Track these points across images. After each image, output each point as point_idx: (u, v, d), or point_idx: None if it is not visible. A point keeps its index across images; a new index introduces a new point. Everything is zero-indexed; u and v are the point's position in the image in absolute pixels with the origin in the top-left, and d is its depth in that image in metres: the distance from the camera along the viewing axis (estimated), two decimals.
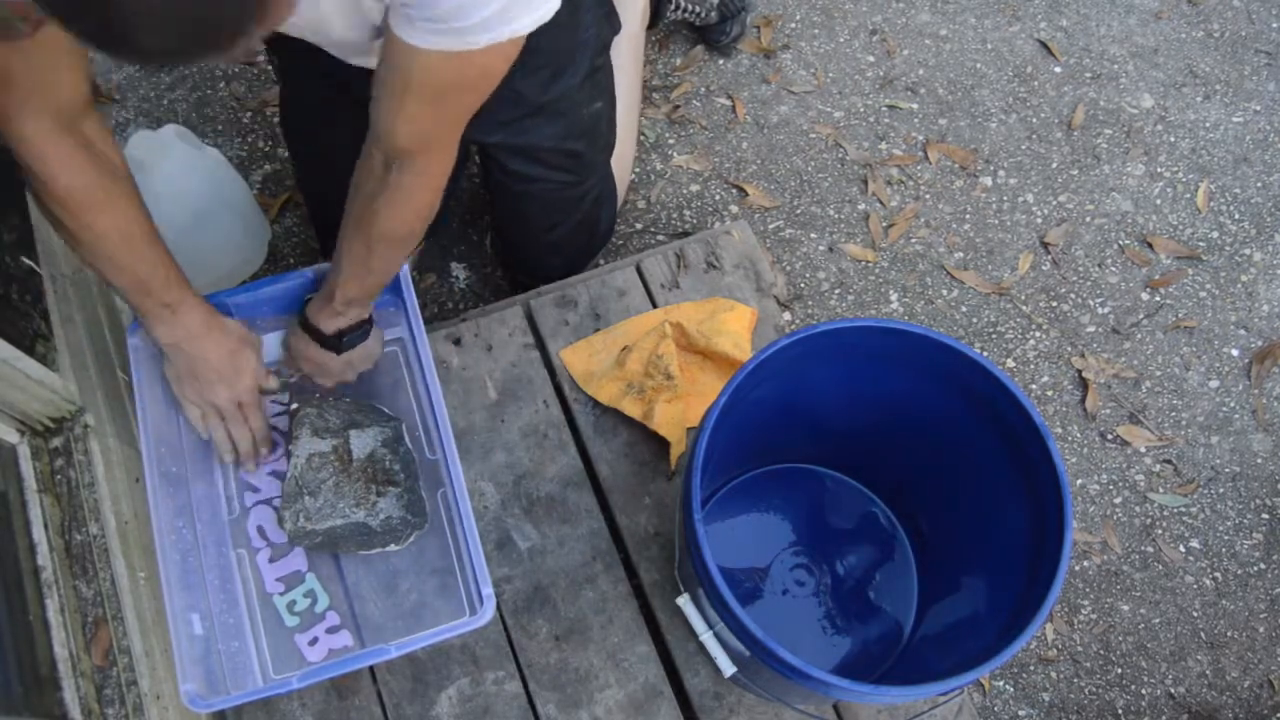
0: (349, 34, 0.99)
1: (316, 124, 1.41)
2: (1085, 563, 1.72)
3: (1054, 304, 1.91)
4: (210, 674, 1.14)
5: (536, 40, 0.91)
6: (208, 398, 1.17)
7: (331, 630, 1.20)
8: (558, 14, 0.88)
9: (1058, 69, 2.13)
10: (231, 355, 1.16)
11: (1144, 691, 1.65)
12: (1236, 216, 2.00)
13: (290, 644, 1.20)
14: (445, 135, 0.98)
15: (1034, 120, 2.07)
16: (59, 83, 0.91)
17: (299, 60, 1.21)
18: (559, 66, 1.23)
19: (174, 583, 1.13)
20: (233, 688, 1.16)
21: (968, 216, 1.98)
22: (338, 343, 1.19)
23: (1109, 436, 1.81)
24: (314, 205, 1.64)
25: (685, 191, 1.97)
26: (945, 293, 1.91)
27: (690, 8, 1.95)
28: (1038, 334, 1.88)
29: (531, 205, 1.46)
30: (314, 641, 1.20)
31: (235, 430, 1.20)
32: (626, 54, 1.67)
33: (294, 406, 1.24)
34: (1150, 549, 1.74)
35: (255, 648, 1.20)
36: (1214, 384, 1.86)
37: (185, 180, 1.54)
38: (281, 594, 1.22)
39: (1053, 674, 1.66)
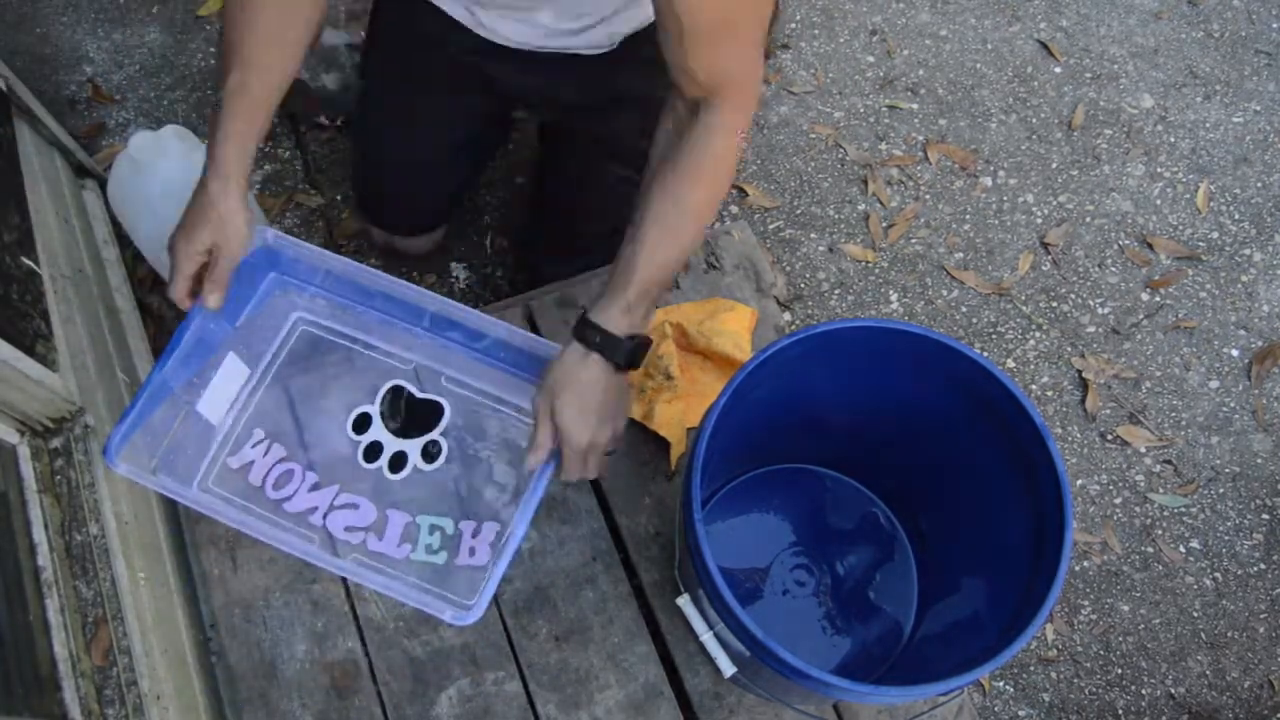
0: None
1: (405, 119, 1.40)
2: (1085, 563, 1.72)
3: (1054, 304, 1.91)
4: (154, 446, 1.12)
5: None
6: (171, 240, 1.05)
7: (313, 488, 1.21)
8: None
9: (1058, 69, 2.13)
10: (212, 205, 1.02)
11: (1144, 692, 1.66)
12: (1236, 217, 2.00)
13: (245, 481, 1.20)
14: (739, 63, 0.94)
15: (1034, 120, 2.07)
16: None
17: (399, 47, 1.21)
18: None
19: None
20: (161, 469, 1.13)
21: (968, 217, 1.98)
22: (630, 353, 0.98)
23: (1109, 437, 1.81)
24: (388, 200, 1.62)
25: None
26: (945, 293, 1.91)
27: None
28: (1038, 334, 1.88)
29: (586, 192, 1.46)
30: (288, 496, 1.20)
31: (174, 278, 1.05)
32: None
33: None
34: (1150, 549, 1.74)
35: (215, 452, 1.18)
36: (1214, 384, 1.86)
37: (185, 180, 1.53)
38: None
39: (1053, 674, 1.66)
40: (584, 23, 1.11)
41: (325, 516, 1.22)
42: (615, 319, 0.97)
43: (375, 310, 1.24)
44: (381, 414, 1.25)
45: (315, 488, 1.23)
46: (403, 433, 1.24)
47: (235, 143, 1.00)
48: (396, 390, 1.26)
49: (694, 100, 0.96)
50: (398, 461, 1.23)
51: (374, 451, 1.23)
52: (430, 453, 1.24)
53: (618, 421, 1.02)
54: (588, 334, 0.97)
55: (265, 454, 1.23)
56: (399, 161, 1.52)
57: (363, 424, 1.25)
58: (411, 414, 1.25)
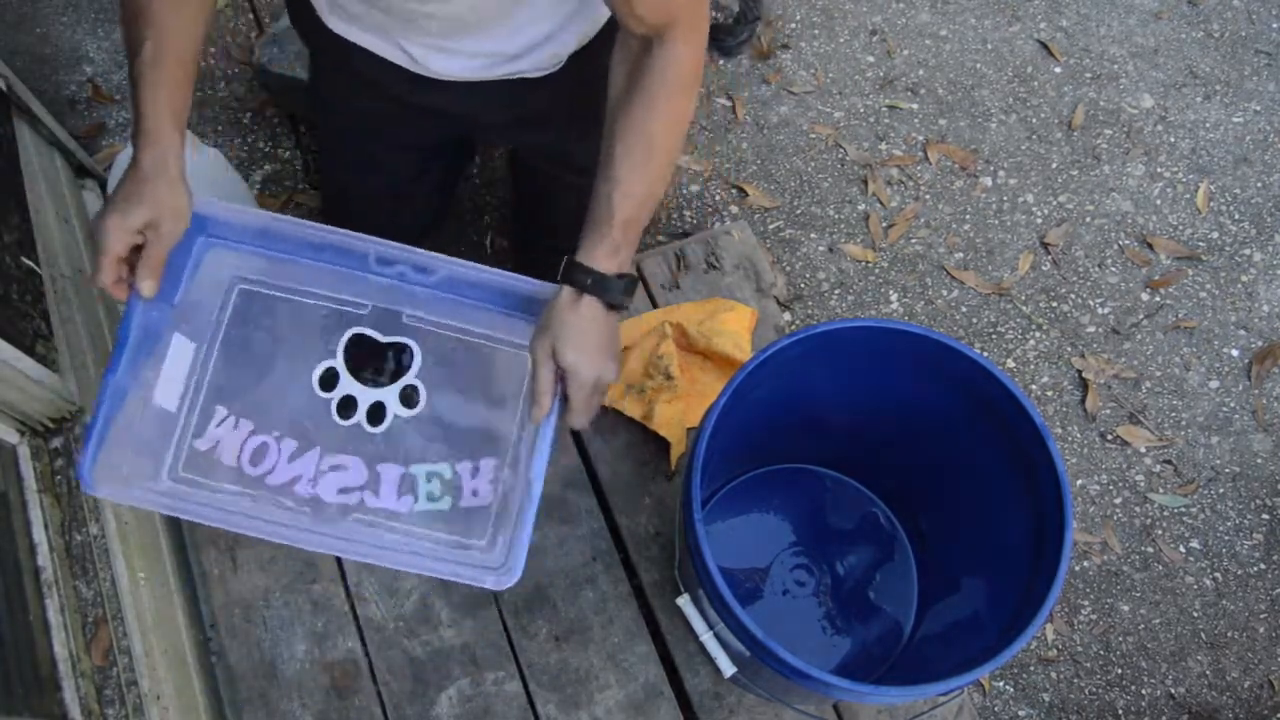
0: None
1: (369, 153, 1.36)
2: (1085, 563, 1.72)
3: (1054, 304, 1.91)
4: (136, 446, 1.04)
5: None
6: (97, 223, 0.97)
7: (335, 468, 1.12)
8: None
9: (1058, 69, 2.13)
10: (145, 182, 0.95)
11: (1144, 692, 1.65)
12: (1236, 217, 2.00)
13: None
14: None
15: (1034, 120, 2.07)
16: None
17: (350, 90, 1.18)
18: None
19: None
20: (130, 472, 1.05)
21: (968, 216, 1.98)
22: (622, 291, 0.99)
23: (1109, 437, 1.81)
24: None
25: (685, 192, 1.97)
26: (945, 293, 1.91)
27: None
28: (1038, 334, 1.88)
29: (562, 207, 1.45)
30: (269, 469, 1.11)
31: (99, 261, 0.98)
32: None
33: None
34: (1150, 549, 1.74)
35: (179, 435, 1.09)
36: (1214, 384, 1.86)
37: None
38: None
39: (1053, 674, 1.66)
40: (523, 44, 1.08)
41: (314, 483, 1.14)
42: (602, 259, 0.98)
43: (319, 261, 1.15)
44: (347, 366, 1.16)
45: (295, 456, 1.14)
46: (374, 382, 1.17)
47: (167, 112, 0.94)
48: (358, 339, 1.17)
49: (645, 36, 0.95)
50: (376, 413, 1.15)
51: (348, 406, 1.15)
52: (408, 398, 1.16)
53: (618, 362, 1.02)
54: (578, 277, 0.98)
55: (234, 429, 1.14)
56: (361, 206, 1.48)
57: (330, 380, 1.17)
58: (379, 361, 1.17)
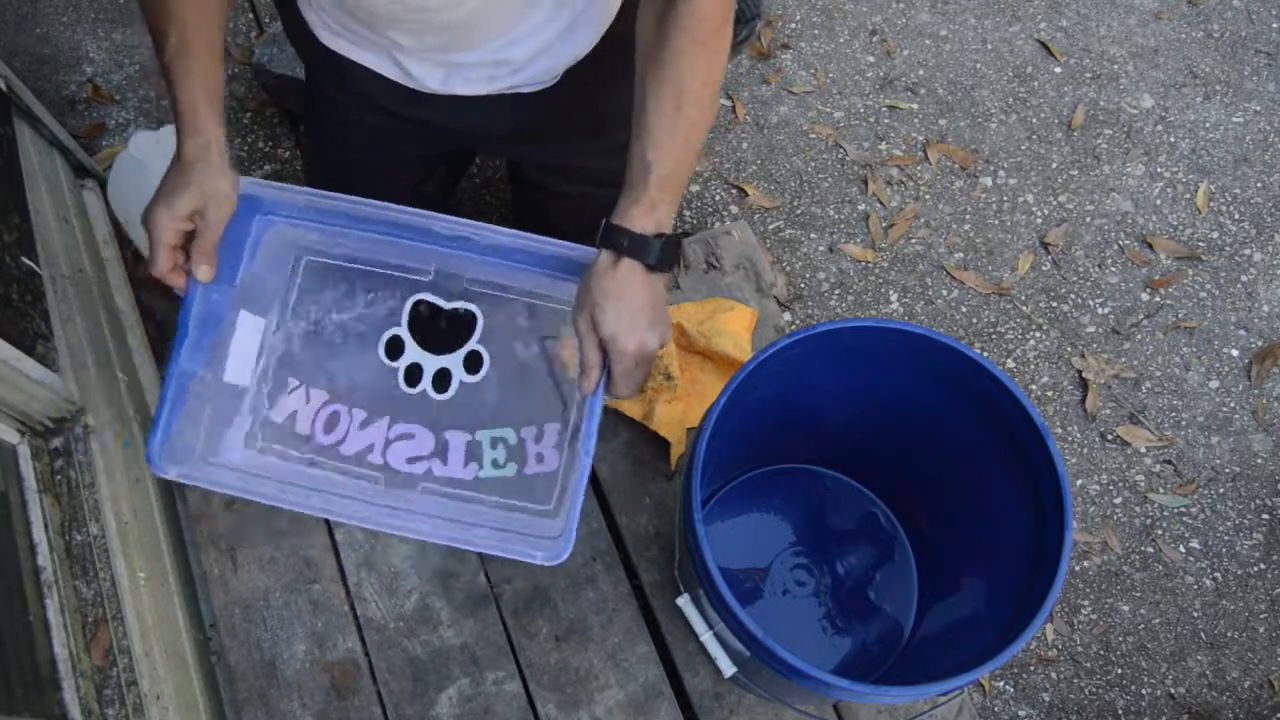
0: None
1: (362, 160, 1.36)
2: (1085, 563, 1.72)
3: (1054, 304, 1.91)
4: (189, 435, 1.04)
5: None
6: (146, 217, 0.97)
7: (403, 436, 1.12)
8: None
9: (1058, 69, 2.13)
10: (190, 169, 0.95)
11: (1144, 692, 1.65)
12: (1236, 217, 2.00)
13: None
14: None
15: (1034, 120, 2.07)
16: None
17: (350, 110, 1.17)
18: (616, 84, 1.17)
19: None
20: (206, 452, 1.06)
21: (968, 216, 1.98)
22: (660, 251, 0.94)
23: (1109, 437, 1.81)
24: None
25: (685, 192, 1.97)
26: (945, 293, 1.91)
27: None
28: (1038, 334, 1.88)
29: (563, 216, 1.45)
30: (341, 438, 1.11)
31: (153, 253, 0.97)
32: None
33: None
34: (1150, 549, 1.74)
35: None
36: (1214, 384, 1.86)
37: None
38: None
39: (1053, 674, 1.66)
40: (519, 58, 1.07)
41: (384, 452, 1.14)
42: (639, 219, 0.94)
43: (375, 233, 1.15)
44: (412, 333, 1.17)
45: (365, 424, 1.15)
46: (439, 349, 1.16)
47: (204, 102, 0.94)
48: (421, 305, 1.17)
49: None
50: (441, 380, 1.15)
51: (414, 374, 1.15)
52: (473, 364, 1.16)
53: (664, 324, 0.97)
54: (615, 239, 0.94)
55: (307, 400, 1.15)
56: None
57: (395, 348, 1.17)
58: (444, 327, 1.17)
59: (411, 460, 1.14)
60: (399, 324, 1.17)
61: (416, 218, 1.08)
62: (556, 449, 1.14)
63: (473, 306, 1.17)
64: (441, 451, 1.15)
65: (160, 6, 0.93)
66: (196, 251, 0.96)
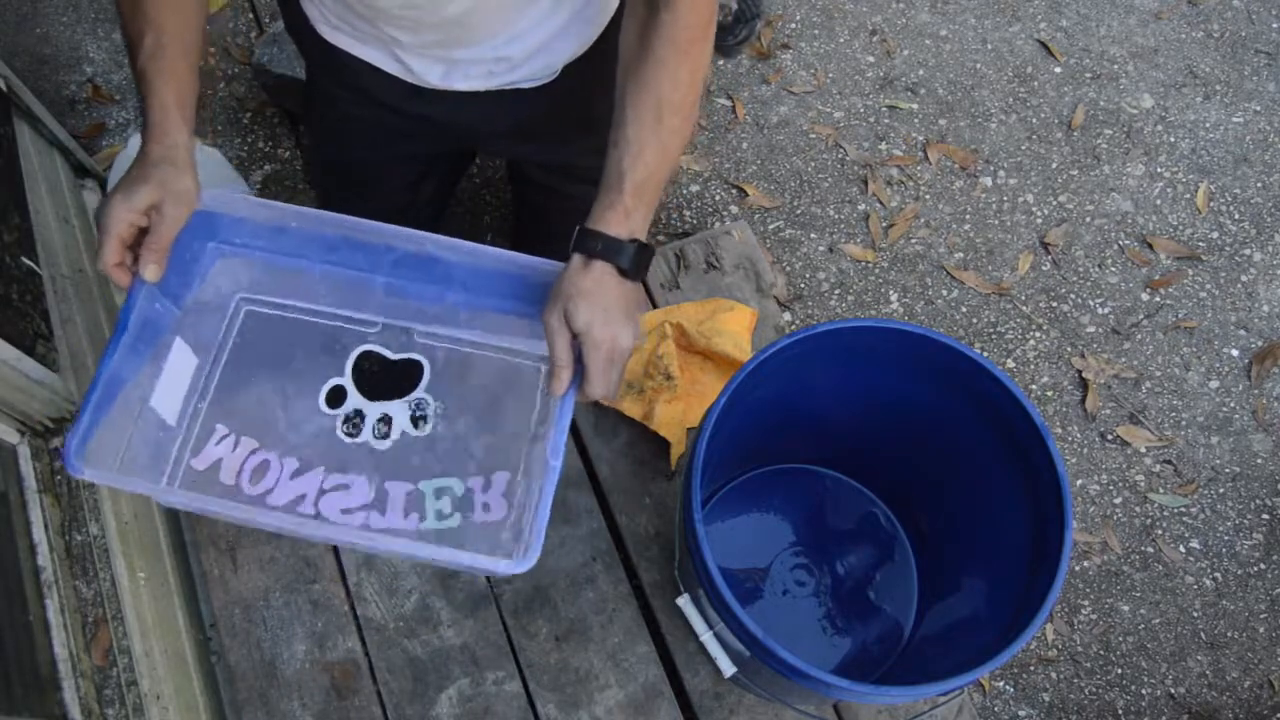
0: None
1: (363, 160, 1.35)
2: (1085, 563, 1.72)
3: (1054, 304, 1.91)
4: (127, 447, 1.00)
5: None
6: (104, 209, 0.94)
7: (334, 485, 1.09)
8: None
9: (1058, 69, 2.13)
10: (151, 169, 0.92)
11: (1144, 692, 1.65)
12: (1236, 217, 2.00)
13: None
14: None
15: (1034, 120, 2.07)
16: None
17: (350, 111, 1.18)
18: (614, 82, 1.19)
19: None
20: (130, 466, 1.01)
21: (968, 216, 1.98)
22: (634, 257, 0.94)
23: (1109, 437, 1.81)
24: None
25: (685, 192, 1.97)
26: (945, 293, 1.91)
27: None
28: (1038, 334, 1.88)
29: (562, 215, 1.45)
30: (269, 488, 1.07)
31: (101, 250, 0.95)
32: None
33: None
34: (1150, 549, 1.74)
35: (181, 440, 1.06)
36: (1214, 384, 1.86)
37: None
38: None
39: (1053, 674, 1.66)
40: (519, 54, 1.07)
41: (316, 503, 1.10)
42: (613, 223, 0.94)
43: (332, 265, 1.11)
44: (355, 383, 1.14)
45: (297, 474, 1.11)
46: (383, 397, 1.13)
47: (174, 107, 0.91)
48: (367, 355, 1.14)
49: None
50: (384, 428, 1.13)
51: (356, 423, 1.13)
52: (418, 414, 1.14)
53: (635, 324, 0.96)
54: (588, 243, 0.94)
55: (234, 449, 1.11)
56: (358, 214, 1.47)
57: (337, 397, 1.14)
58: (389, 377, 1.14)
59: (347, 511, 1.10)
60: (342, 374, 1.14)
61: (375, 235, 1.04)
62: (505, 497, 1.12)
63: (420, 357, 1.15)
64: (380, 503, 1.11)
65: (136, 8, 0.92)
66: (146, 248, 0.91)
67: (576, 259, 0.95)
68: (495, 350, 1.17)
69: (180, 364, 1.10)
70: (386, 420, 1.13)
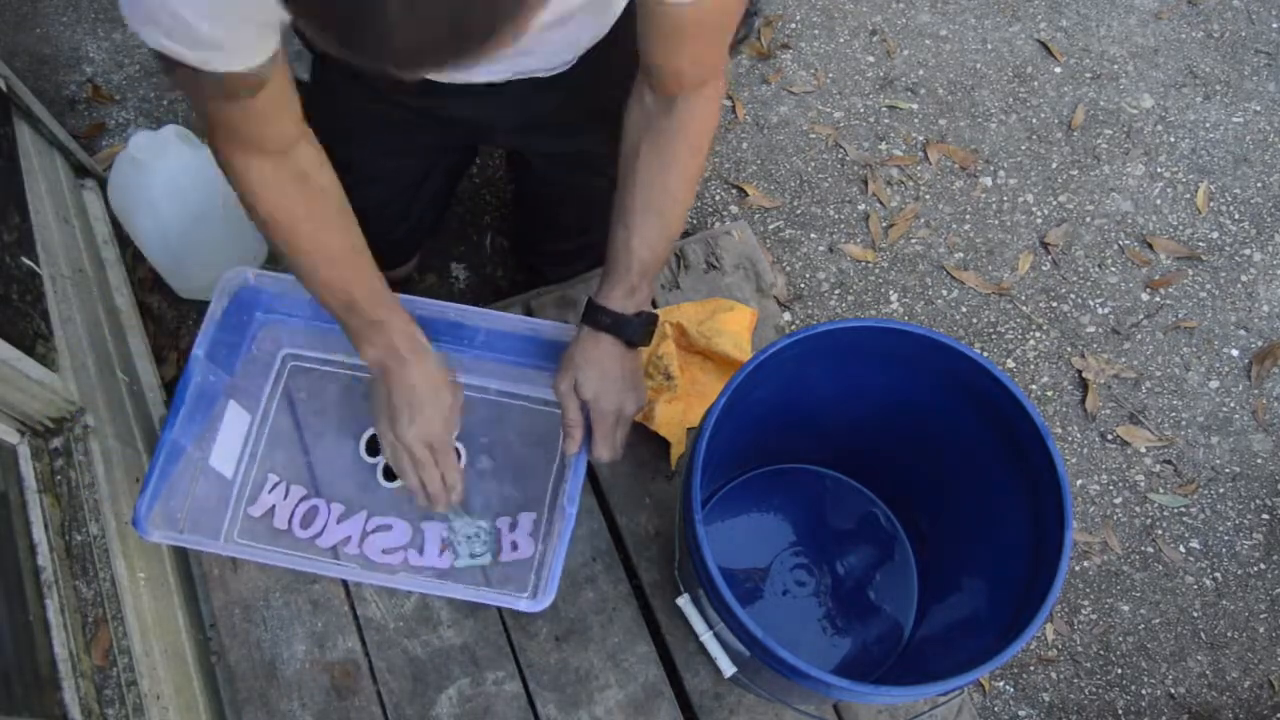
0: (583, 35, 1.00)
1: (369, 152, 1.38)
2: (1085, 563, 1.72)
3: (1054, 304, 1.91)
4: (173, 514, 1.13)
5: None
6: (399, 434, 1.09)
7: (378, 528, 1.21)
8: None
9: (1058, 69, 2.13)
10: (434, 389, 1.07)
11: (1144, 692, 1.65)
12: (1236, 217, 2.00)
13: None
14: (722, 53, 0.97)
15: (1034, 120, 2.07)
16: (273, 131, 0.92)
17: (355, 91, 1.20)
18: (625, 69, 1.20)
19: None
20: (190, 529, 1.15)
21: (968, 216, 1.98)
22: (639, 330, 1.05)
23: (1109, 437, 1.81)
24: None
25: None
26: (945, 293, 1.91)
27: None
28: (1038, 334, 1.88)
29: (566, 208, 1.45)
30: (318, 532, 1.20)
31: (425, 474, 1.12)
32: None
33: None
34: (1150, 549, 1.74)
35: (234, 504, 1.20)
36: (1214, 384, 1.86)
37: (185, 180, 1.54)
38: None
39: (1053, 674, 1.66)
40: (542, 44, 1.07)
41: (361, 544, 1.21)
42: (620, 301, 1.03)
43: None
44: None
45: (343, 518, 1.22)
46: None
47: (400, 328, 1.04)
48: None
49: (673, 95, 0.96)
50: None
51: (393, 470, 1.21)
52: None
53: (639, 391, 1.07)
54: (598, 318, 1.03)
55: (285, 496, 1.22)
56: (363, 209, 1.47)
57: (375, 446, 1.24)
58: None
59: (388, 551, 1.21)
60: None
61: (411, 303, 1.15)
62: (531, 536, 1.22)
63: None
64: (418, 542, 1.21)
65: (332, 274, 1.02)
66: (450, 478, 1.12)
67: (586, 332, 1.04)
68: (519, 397, 1.28)
69: (234, 423, 1.22)
70: None
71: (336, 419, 1.26)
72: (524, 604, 1.08)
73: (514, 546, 1.22)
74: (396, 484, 1.22)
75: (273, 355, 1.27)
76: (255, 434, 1.25)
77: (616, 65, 1.02)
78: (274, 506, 1.22)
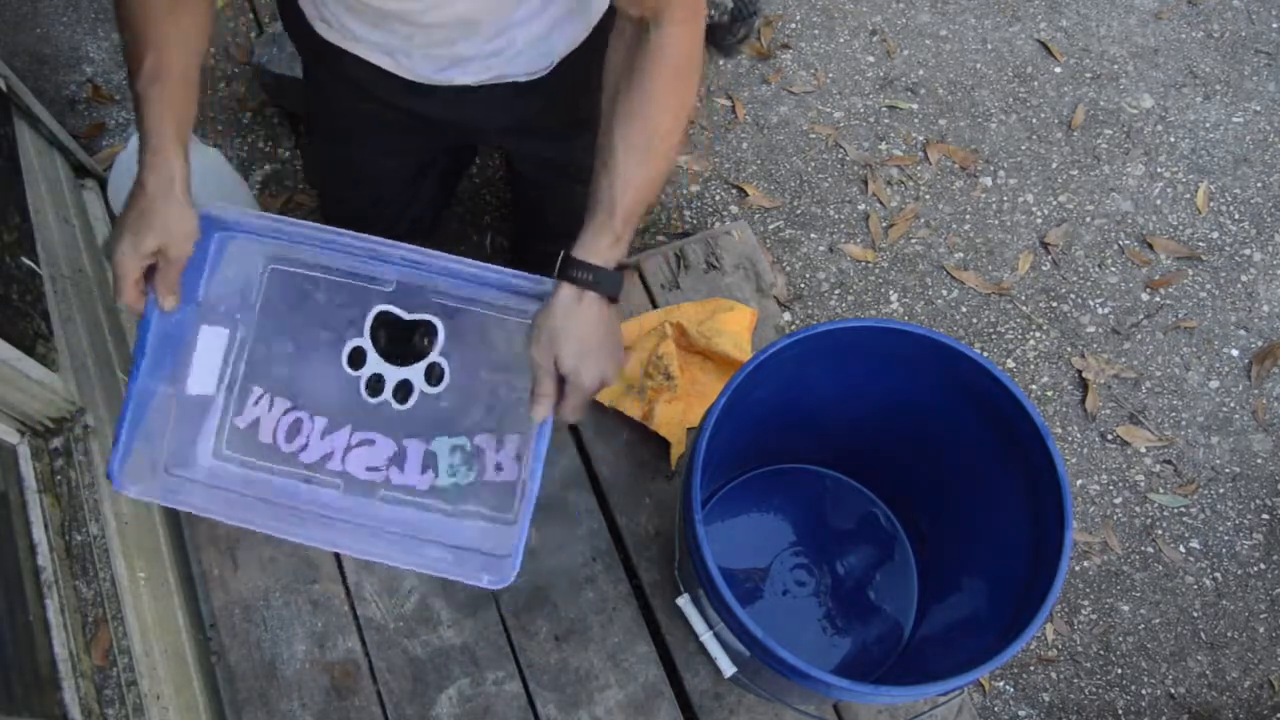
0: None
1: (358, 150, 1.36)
2: (1085, 563, 1.72)
3: (1054, 304, 1.91)
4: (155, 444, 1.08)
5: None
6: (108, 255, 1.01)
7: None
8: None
9: (1058, 69, 2.13)
10: (156, 207, 0.96)
11: (1144, 692, 1.65)
12: (1236, 217, 2.00)
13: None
14: None
15: (1034, 120, 2.07)
16: None
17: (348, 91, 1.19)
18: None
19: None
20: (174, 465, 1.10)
21: (968, 216, 1.98)
22: (620, 283, 0.97)
23: (1109, 437, 1.81)
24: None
25: (685, 192, 1.97)
26: (945, 293, 1.91)
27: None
28: (1038, 334, 1.88)
29: (552, 212, 1.45)
30: (303, 445, 1.14)
31: (120, 288, 0.99)
32: None
33: None
34: (1150, 549, 1.74)
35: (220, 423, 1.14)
36: (1214, 384, 1.86)
37: None
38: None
39: (1053, 674, 1.66)
40: (514, 46, 1.07)
41: (344, 459, 1.16)
42: (604, 252, 0.95)
43: (336, 250, 1.17)
44: (374, 344, 1.18)
45: (326, 432, 1.18)
46: (400, 359, 1.18)
47: (171, 131, 0.94)
48: (383, 317, 1.18)
49: (641, 18, 0.93)
50: (403, 390, 1.17)
51: (376, 384, 1.17)
52: (433, 375, 1.18)
53: (620, 353, 1.00)
54: (578, 274, 0.95)
55: (270, 408, 1.18)
56: (354, 214, 1.46)
57: (358, 358, 1.18)
58: (405, 338, 1.18)
59: (371, 469, 1.16)
60: (361, 334, 1.17)
61: (374, 244, 1.09)
62: (517, 460, 1.16)
63: (434, 318, 1.18)
64: (400, 459, 1.16)
65: (137, 30, 0.93)
66: (160, 285, 0.98)
67: (566, 291, 0.95)
68: (503, 311, 1.19)
69: (211, 344, 1.17)
70: (406, 384, 1.17)
71: (320, 330, 1.20)
72: (486, 580, 1.03)
73: (498, 468, 1.16)
74: (380, 399, 1.18)
75: (252, 264, 1.20)
76: (236, 349, 1.19)
77: (593, 75, 1.01)
78: (259, 419, 1.18)
